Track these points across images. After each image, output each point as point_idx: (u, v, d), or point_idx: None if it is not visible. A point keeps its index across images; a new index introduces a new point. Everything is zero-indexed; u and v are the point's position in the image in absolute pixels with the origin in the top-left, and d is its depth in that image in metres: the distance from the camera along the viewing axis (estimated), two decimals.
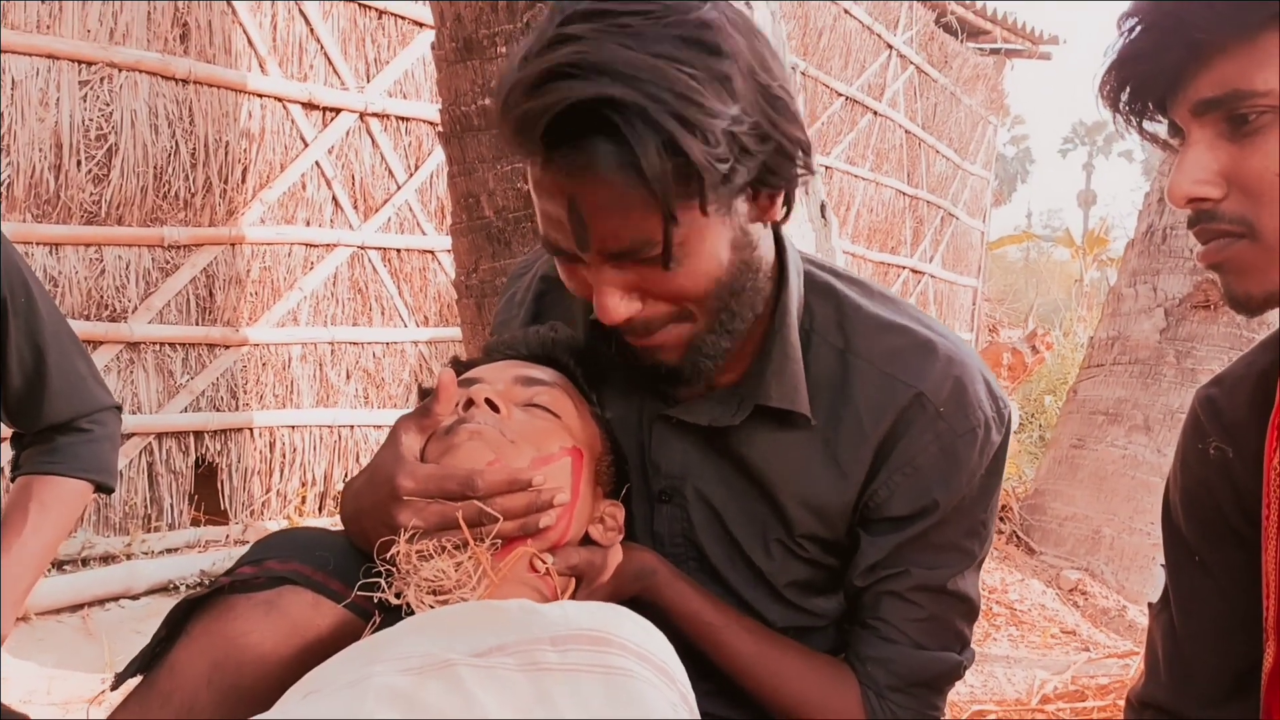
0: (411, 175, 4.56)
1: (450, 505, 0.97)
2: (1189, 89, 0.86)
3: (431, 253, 4.62)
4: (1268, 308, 0.91)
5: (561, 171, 0.92)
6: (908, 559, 1.14)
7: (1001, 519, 4.04)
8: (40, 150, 3.49)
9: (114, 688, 1.13)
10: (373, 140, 4.40)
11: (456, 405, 1.05)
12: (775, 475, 1.16)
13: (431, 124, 4.46)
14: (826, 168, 7.19)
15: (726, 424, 1.14)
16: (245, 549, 3.10)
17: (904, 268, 8.40)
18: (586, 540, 1.10)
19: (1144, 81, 0.88)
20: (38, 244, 3.55)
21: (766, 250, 1.07)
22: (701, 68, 0.91)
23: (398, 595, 0.96)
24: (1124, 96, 0.89)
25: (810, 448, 1.14)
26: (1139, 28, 0.87)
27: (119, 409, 1.87)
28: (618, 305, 0.99)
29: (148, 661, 1.07)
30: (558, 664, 0.84)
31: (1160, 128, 0.93)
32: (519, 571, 1.01)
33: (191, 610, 1.04)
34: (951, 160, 9.00)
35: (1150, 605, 1.16)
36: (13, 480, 1.63)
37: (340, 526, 1.13)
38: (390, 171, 4.49)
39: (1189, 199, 0.87)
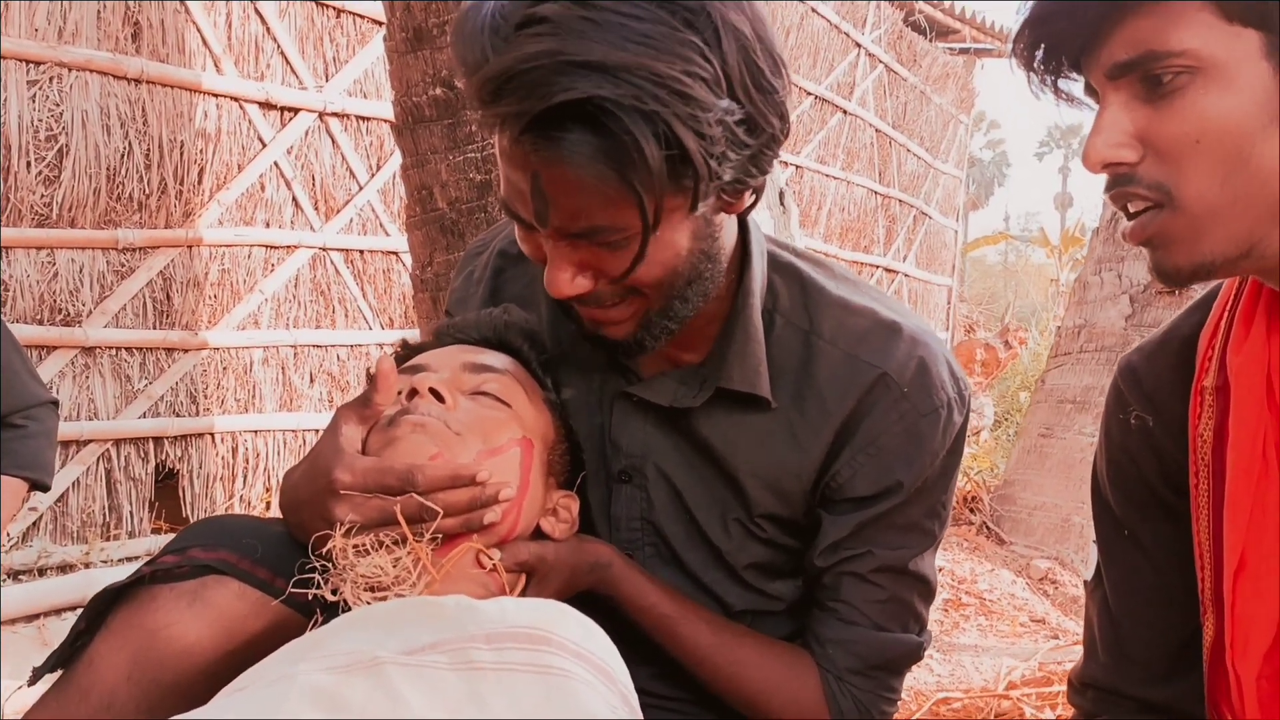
0: (373, 175, 4.52)
1: (389, 500, 0.94)
2: (1102, 50, 0.84)
3: (395, 253, 4.58)
4: (1196, 280, 0.88)
5: (533, 151, 0.90)
6: (870, 539, 1.13)
7: (972, 510, 4.02)
8: None
9: (31, 684, 1.09)
10: (333, 140, 4.36)
11: (400, 394, 1.02)
12: (736, 456, 1.14)
13: (392, 123, 4.43)
14: (797, 166, 7.19)
15: (688, 405, 1.13)
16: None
17: (877, 266, 8.41)
18: (538, 533, 1.07)
19: (1057, 41, 0.85)
20: None
21: (728, 238, 1.06)
22: (693, 55, 0.88)
23: (334, 592, 0.93)
24: (1038, 55, 0.86)
25: (772, 428, 1.13)
26: None
27: (55, 404, 1.82)
28: (567, 282, 0.98)
29: (67, 656, 1.03)
30: (492, 663, 0.81)
31: (1076, 86, 0.90)
32: (464, 567, 0.98)
33: (113, 601, 1.01)
34: (923, 159, 9.02)
35: (1086, 583, 1.15)
36: None
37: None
38: (351, 171, 4.44)
39: (1104, 163, 0.85)
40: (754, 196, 1.04)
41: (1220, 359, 0.96)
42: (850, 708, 1.16)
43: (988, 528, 3.88)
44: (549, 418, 1.11)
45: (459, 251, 2.65)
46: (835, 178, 7.64)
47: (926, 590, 1.18)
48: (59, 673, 1.04)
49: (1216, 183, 0.82)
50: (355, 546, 0.94)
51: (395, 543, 0.94)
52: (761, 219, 2.75)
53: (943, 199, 9.65)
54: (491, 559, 0.99)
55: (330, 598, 0.94)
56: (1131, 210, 0.87)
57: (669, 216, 0.96)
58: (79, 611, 3.04)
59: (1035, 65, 0.87)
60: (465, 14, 0.91)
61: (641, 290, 1.01)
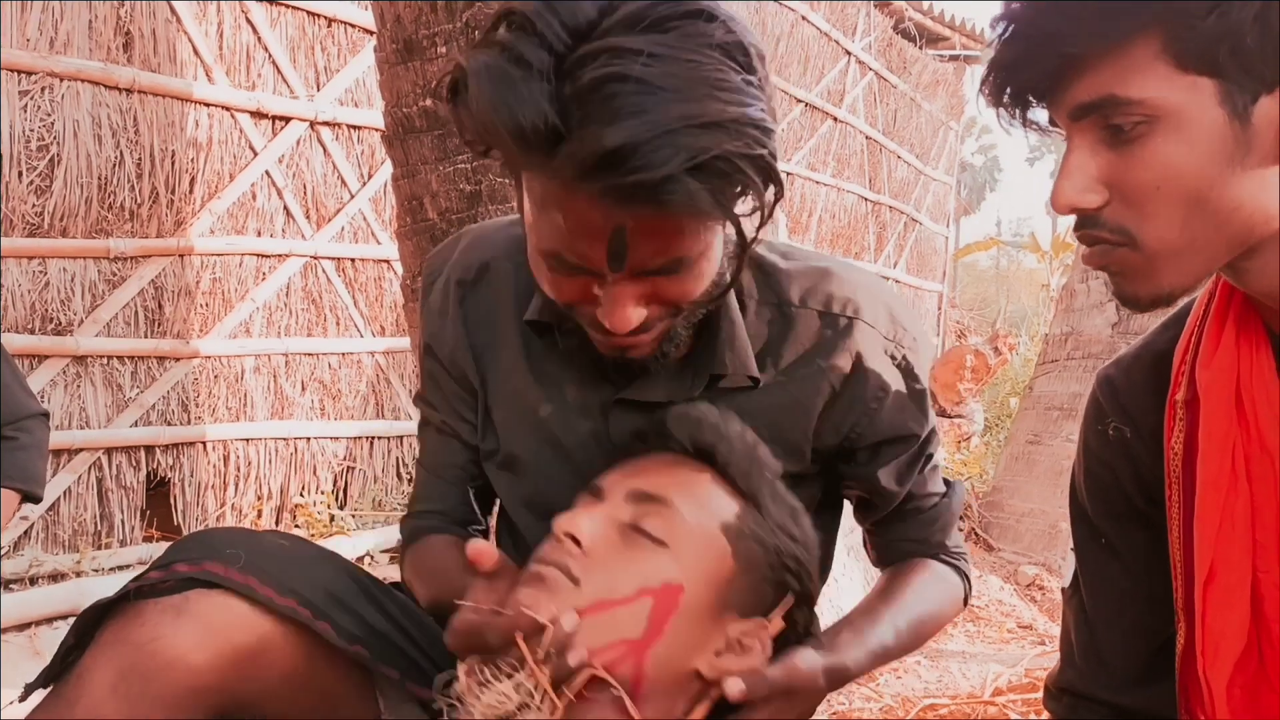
0: (364, 184, 4.53)
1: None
2: (1066, 94, 0.87)
3: (387, 262, 4.59)
4: (1156, 306, 0.93)
5: (624, 206, 0.92)
6: (914, 456, 1.28)
7: (961, 516, 4.05)
8: None
9: (22, 699, 1.11)
10: (324, 149, 4.37)
11: (551, 536, 1.04)
12: None
13: (383, 133, 4.45)
14: (788, 174, 7.21)
15: (685, 398, 1.18)
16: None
17: None
18: (698, 675, 1.03)
19: (1023, 84, 0.89)
20: None
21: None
22: (758, 94, 0.93)
23: None
24: (1005, 96, 0.90)
25: (769, 400, 1.21)
26: (1011, 34, 0.87)
27: (46, 416, 1.83)
28: (633, 315, 1.02)
29: (57, 671, 1.05)
30: None
31: (1044, 114, 0.93)
32: (593, 691, 0.97)
33: (101, 617, 1.04)
34: (913, 166, 9.05)
35: (1063, 590, 1.18)
36: None
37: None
38: (343, 180, 4.45)
39: (1072, 207, 0.88)
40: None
41: (1190, 373, 0.98)
42: (965, 570, 1.36)
43: (976, 534, 3.90)
44: (728, 551, 1.06)
45: None
46: (825, 184, 7.67)
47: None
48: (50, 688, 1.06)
49: (1176, 225, 0.86)
50: (479, 681, 0.97)
51: (514, 668, 0.95)
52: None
53: (933, 205, 9.69)
54: (612, 683, 0.98)
55: None
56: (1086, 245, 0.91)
57: (723, 233, 1.05)
58: (71, 620, 3.05)
59: (1003, 103, 0.90)
60: (490, 72, 0.91)
61: (682, 307, 1.07)
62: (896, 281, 8.93)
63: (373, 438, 4.66)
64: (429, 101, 2.68)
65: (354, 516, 4.49)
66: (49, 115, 3.55)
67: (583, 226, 0.96)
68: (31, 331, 3.65)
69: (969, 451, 6.37)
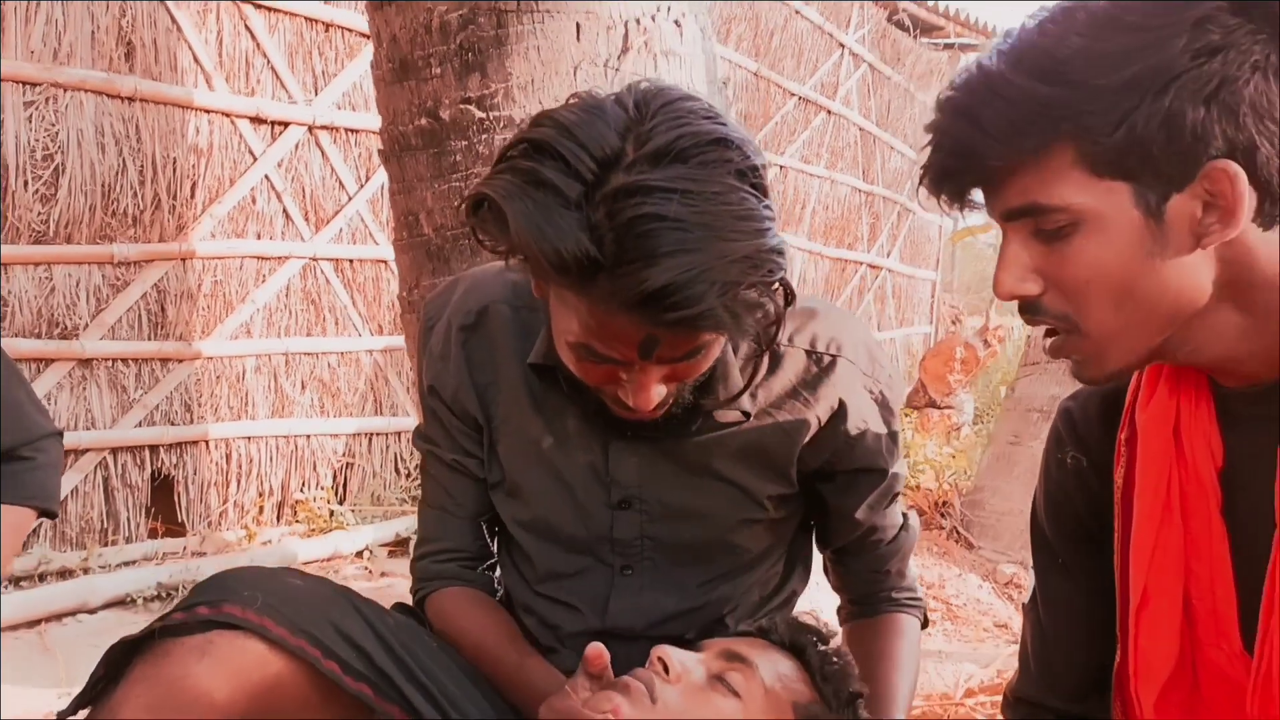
0: (362, 186, 4.60)
1: None
2: (994, 200, 0.96)
3: (384, 262, 4.67)
4: (1113, 380, 1.02)
5: (658, 323, 1.03)
6: (886, 488, 1.41)
7: (943, 514, 4.15)
8: None
9: None
10: (322, 152, 4.44)
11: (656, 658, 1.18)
12: (730, 465, 1.34)
13: (380, 150, 4.52)
14: (781, 167, 7.28)
15: (681, 434, 1.30)
16: (203, 560, 3.19)
17: (861, 263, 8.50)
18: None
19: (955, 189, 0.97)
20: None
21: None
22: (774, 220, 1.06)
23: None
24: (941, 199, 0.98)
25: (759, 428, 1.33)
26: (937, 146, 0.95)
27: (60, 435, 1.92)
28: (656, 396, 1.15)
29: (88, 699, 1.16)
30: None
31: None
32: None
33: (129, 651, 1.14)
34: (907, 156, 9.10)
35: (1023, 605, 1.27)
36: None
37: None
38: (340, 183, 4.53)
39: (1012, 295, 0.97)
40: None
41: (1131, 414, 1.08)
42: (922, 608, 1.49)
43: (958, 532, 4.00)
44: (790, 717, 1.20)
45: (444, 276, 2.74)
46: (819, 176, 7.73)
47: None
48: (81, 715, 1.16)
49: (1110, 313, 0.93)
50: None
51: None
52: None
53: (927, 194, 9.72)
54: None
55: None
56: (1045, 331, 0.99)
57: None
58: (79, 617, 3.13)
59: (941, 201, 0.99)
60: (524, 200, 1.01)
61: (694, 380, 1.19)
62: (890, 271, 9.01)
63: (371, 434, 4.75)
64: (424, 121, 2.76)
65: (353, 511, 4.59)
66: (53, 125, 3.63)
67: (616, 333, 1.07)
68: (38, 336, 3.74)
69: (959, 441, 6.45)
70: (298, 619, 1.16)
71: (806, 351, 1.33)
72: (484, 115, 2.64)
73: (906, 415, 6.82)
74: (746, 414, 1.31)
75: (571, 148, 1.01)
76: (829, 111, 7.73)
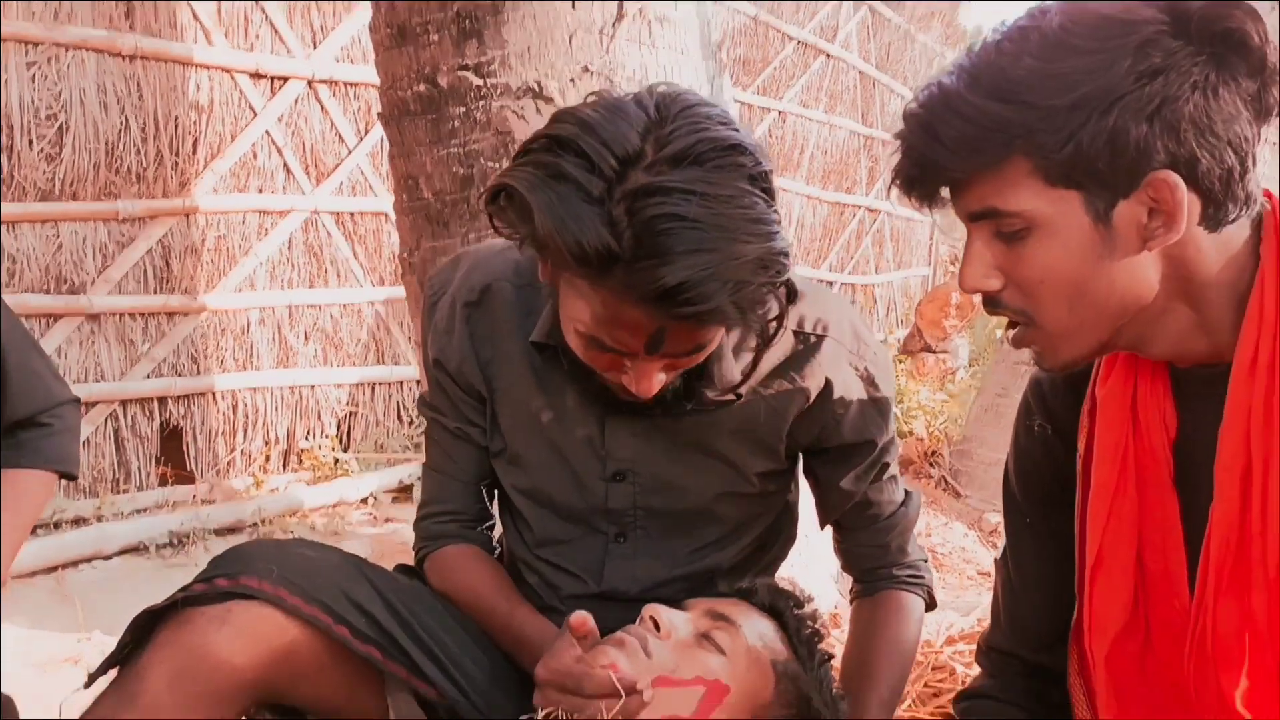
0: (361, 139, 4.64)
1: (564, 697, 1.16)
2: (957, 203, 1.03)
3: (384, 214, 4.72)
4: (1070, 369, 1.09)
5: (670, 316, 1.10)
6: (877, 459, 1.45)
7: (932, 464, 4.25)
8: None
9: (87, 686, 1.28)
10: (322, 106, 4.48)
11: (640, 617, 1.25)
12: (720, 442, 1.40)
13: (380, 114, 4.54)
14: (780, 112, 7.28)
15: (676, 413, 1.36)
16: (212, 508, 3.31)
17: (859, 207, 8.52)
18: None
19: (921, 195, 1.04)
20: None
21: None
22: (780, 224, 1.12)
23: None
24: (911, 200, 1.05)
25: (749, 407, 1.38)
26: (904, 155, 1.02)
27: (77, 401, 2.00)
28: (654, 386, 1.22)
29: (116, 662, 1.23)
30: None
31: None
32: None
33: (153, 620, 1.21)
34: (907, 99, 9.05)
35: (996, 561, 1.34)
36: None
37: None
38: (340, 136, 4.57)
39: (974, 290, 1.04)
40: None
41: (1094, 390, 1.16)
42: (927, 584, 1.52)
43: (946, 481, 4.10)
44: (770, 680, 1.27)
45: (443, 239, 2.81)
46: (818, 121, 7.72)
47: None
48: (111, 674, 1.25)
49: (1063, 309, 1.01)
50: None
51: None
52: (695, 69, 2.88)
53: (899, 194, 9.67)
54: None
55: None
56: (1008, 323, 1.07)
57: None
58: (94, 563, 3.23)
59: (912, 201, 1.06)
60: (547, 193, 1.07)
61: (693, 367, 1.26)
62: (888, 214, 9.03)
63: (374, 383, 4.85)
64: (422, 86, 2.80)
65: (358, 459, 4.69)
66: (56, 85, 3.67)
67: (627, 325, 1.14)
68: (47, 292, 3.82)
69: (953, 385, 6.52)
70: (310, 588, 1.25)
71: (795, 332, 1.38)
72: (481, 82, 2.68)
73: (900, 361, 6.89)
74: (738, 394, 1.37)
75: (594, 145, 1.06)
76: (828, 55, 7.70)
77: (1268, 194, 1.03)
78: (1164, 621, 1.10)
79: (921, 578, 1.52)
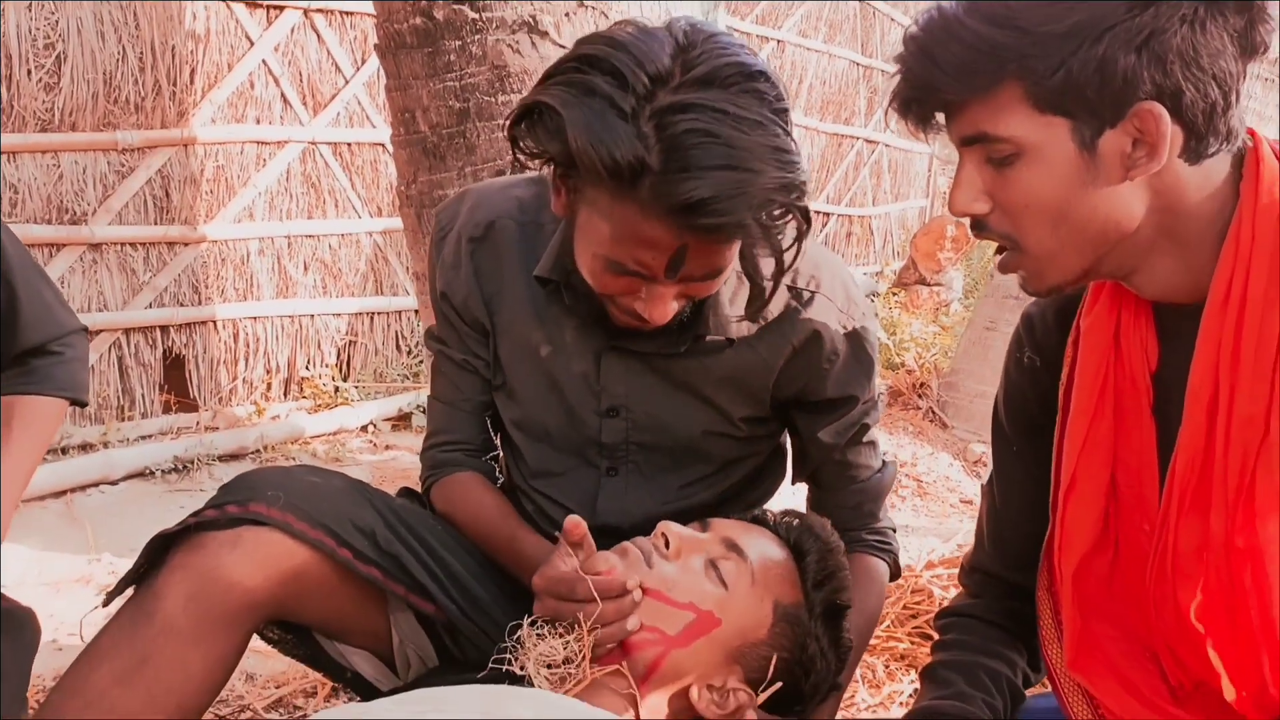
0: (358, 69, 4.63)
1: (563, 604, 1.20)
2: (950, 127, 1.07)
3: (382, 145, 4.73)
4: (1053, 294, 1.15)
5: (691, 233, 1.15)
6: (856, 417, 1.52)
7: (920, 396, 4.32)
8: None
9: (105, 605, 1.35)
10: (318, 36, 4.47)
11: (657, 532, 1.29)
12: (711, 384, 1.46)
13: (377, 46, 4.51)
14: (779, 41, 7.22)
15: (673, 352, 1.42)
16: (215, 434, 3.41)
17: (858, 138, 8.49)
18: (686, 700, 1.23)
19: (917, 118, 1.08)
20: None
21: None
22: (800, 158, 1.17)
23: (521, 668, 1.20)
24: (907, 123, 1.09)
25: (739, 356, 1.45)
26: (902, 78, 1.06)
27: (85, 330, 2.05)
28: (668, 313, 1.27)
29: (132, 582, 1.30)
30: None
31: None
32: (617, 684, 1.20)
33: (167, 543, 1.28)
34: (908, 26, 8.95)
35: (982, 487, 1.40)
36: None
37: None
38: (337, 66, 4.56)
39: (963, 213, 1.09)
40: None
41: (1078, 320, 1.20)
42: (892, 550, 1.58)
43: (934, 412, 4.18)
44: (767, 621, 1.27)
45: (440, 173, 2.85)
46: (817, 51, 7.66)
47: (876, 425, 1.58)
48: (128, 592, 1.32)
49: (1047, 234, 1.06)
50: (538, 634, 1.21)
51: (568, 630, 1.19)
52: None
53: (896, 117, 9.56)
54: (630, 682, 1.20)
55: (518, 672, 1.20)
56: (995, 248, 1.13)
57: None
58: (102, 488, 3.32)
59: (908, 125, 1.10)
60: (583, 108, 1.11)
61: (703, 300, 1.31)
62: (886, 146, 8.99)
63: (373, 313, 4.90)
64: (419, 20, 2.81)
65: (357, 388, 4.76)
66: (53, 14, 3.67)
67: (650, 242, 1.18)
68: (49, 222, 3.86)
69: (947, 318, 6.57)
70: (315, 513, 1.32)
71: (788, 287, 1.44)
72: (476, 16, 2.70)
73: (894, 294, 6.94)
74: (730, 340, 1.43)
75: (626, 61, 1.11)
76: None
77: (1251, 132, 1.06)
78: (1132, 541, 1.16)
79: (889, 544, 1.57)
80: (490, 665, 1.22)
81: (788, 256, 1.24)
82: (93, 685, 1.21)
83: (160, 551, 1.29)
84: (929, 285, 6.97)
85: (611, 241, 1.20)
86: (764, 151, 1.12)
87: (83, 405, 1.97)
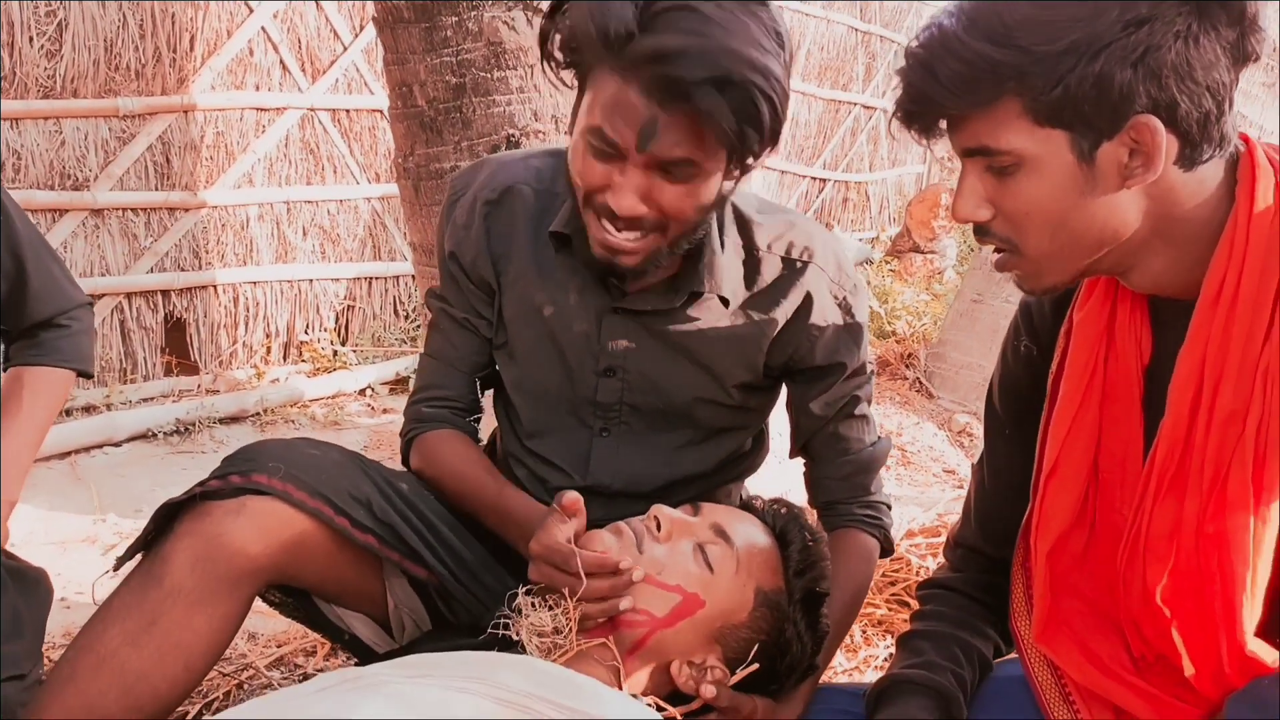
0: (357, 36, 4.65)
1: (556, 573, 1.25)
2: (953, 138, 1.12)
3: (380, 111, 4.75)
4: (1050, 293, 1.20)
5: (665, 98, 1.22)
6: (847, 389, 1.57)
7: (907, 365, 4.39)
8: None
9: (115, 570, 1.42)
10: (316, 3, 4.49)
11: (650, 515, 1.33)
12: (706, 348, 1.52)
13: (375, 19, 4.53)
14: (779, 4, 7.20)
15: (668, 308, 1.49)
16: (216, 397, 3.48)
17: (855, 104, 8.49)
18: (668, 677, 1.29)
19: (920, 129, 1.13)
20: None
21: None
22: (785, 76, 1.25)
23: (516, 635, 1.25)
24: (912, 131, 1.14)
25: (734, 322, 1.51)
26: (904, 91, 1.11)
27: (91, 303, 2.11)
28: (634, 204, 1.31)
29: (140, 548, 1.37)
30: None
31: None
32: (603, 656, 1.25)
33: (173, 511, 1.35)
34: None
35: (973, 465, 1.47)
36: (4, 372, 1.86)
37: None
38: (335, 33, 4.59)
39: (966, 220, 1.14)
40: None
41: (1072, 312, 1.26)
42: (884, 525, 1.61)
43: (920, 382, 4.24)
44: (748, 605, 1.31)
45: (436, 146, 2.90)
46: (814, 16, 7.64)
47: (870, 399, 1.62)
48: (136, 559, 1.38)
49: (1046, 240, 1.10)
50: (533, 602, 1.27)
51: (559, 601, 1.24)
52: None
53: (900, 127, 9.49)
54: (615, 657, 1.25)
55: (514, 638, 1.26)
56: (994, 249, 1.18)
57: (723, 170, 1.33)
58: (105, 449, 3.38)
59: (911, 135, 1.14)
60: None
61: (669, 224, 1.34)
62: (884, 111, 8.98)
63: (371, 278, 4.96)
64: None
65: (355, 352, 4.83)
66: None
67: (626, 109, 1.25)
68: (51, 188, 3.91)
69: (940, 286, 6.61)
70: (315, 484, 1.39)
71: (782, 258, 1.51)
72: None
73: (888, 262, 6.98)
74: (725, 300, 1.49)
75: None
76: None
77: (1244, 137, 1.10)
78: (1108, 523, 1.22)
79: (880, 520, 1.60)
80: (489, 630, 1.29)
81: (746, 154, 1.30)
82: (105, 644, 1.28)
83: (167, 519, 1.36)
84: (923, 253, 7.01)
85: (597, 110, 1.27)
86: (746, 37, 1.20)
87: (89, 376, 2.02)
